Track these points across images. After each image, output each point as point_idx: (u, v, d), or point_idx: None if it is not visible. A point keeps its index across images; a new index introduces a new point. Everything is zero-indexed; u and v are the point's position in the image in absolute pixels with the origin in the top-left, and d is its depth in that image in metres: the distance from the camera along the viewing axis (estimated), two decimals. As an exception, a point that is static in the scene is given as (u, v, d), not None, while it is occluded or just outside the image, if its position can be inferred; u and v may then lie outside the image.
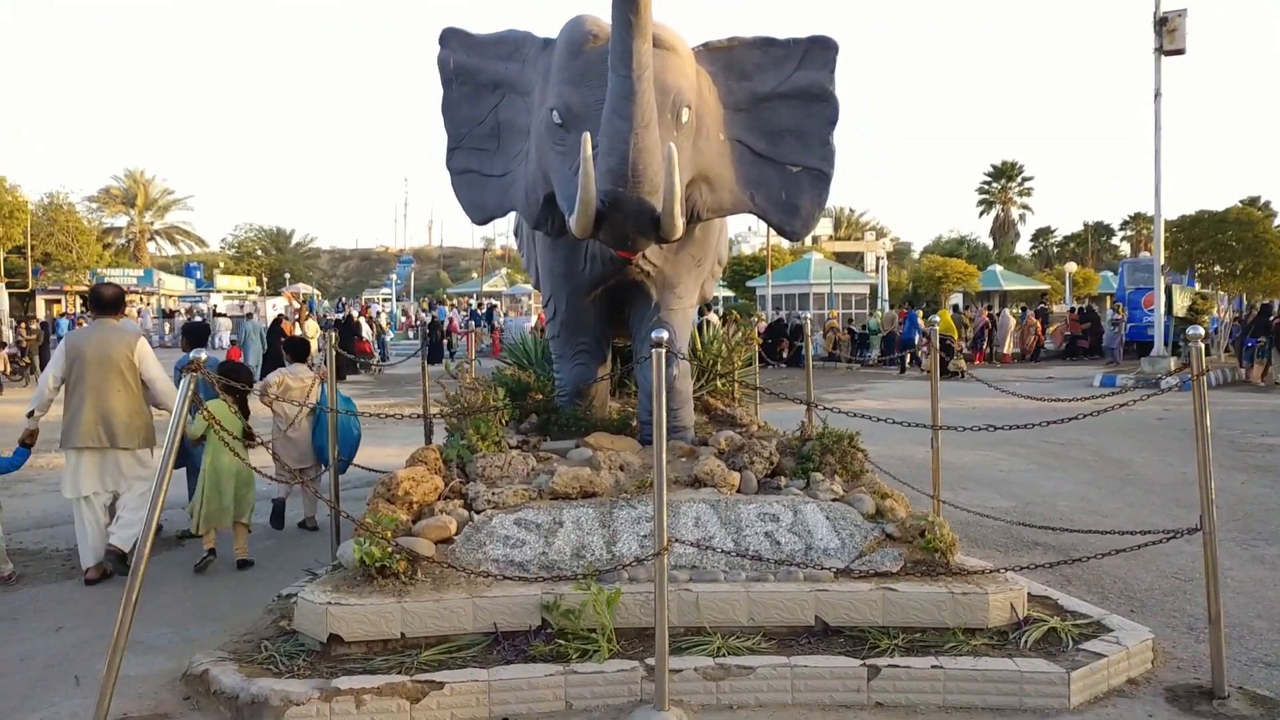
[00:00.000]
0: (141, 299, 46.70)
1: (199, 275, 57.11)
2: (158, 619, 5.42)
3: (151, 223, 64.07)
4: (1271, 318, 19.21)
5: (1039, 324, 27.90)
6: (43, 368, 21.82)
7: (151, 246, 64.57)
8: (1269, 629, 5.17)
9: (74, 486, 6.32)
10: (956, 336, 23.19)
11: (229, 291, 54.11)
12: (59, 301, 42.97)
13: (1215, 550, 4.34)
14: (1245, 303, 23.39)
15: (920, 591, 4.64)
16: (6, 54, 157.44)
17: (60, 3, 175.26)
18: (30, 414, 6.42)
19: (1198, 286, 25.41)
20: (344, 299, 51.95)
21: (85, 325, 7.15)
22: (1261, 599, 5.68)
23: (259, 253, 71.66)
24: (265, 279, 62.80)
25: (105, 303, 6.55)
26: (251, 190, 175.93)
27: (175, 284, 51.76)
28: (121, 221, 62.41)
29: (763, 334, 23.38)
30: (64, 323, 32.12)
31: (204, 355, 4.35)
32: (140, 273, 48.90)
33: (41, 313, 37.40)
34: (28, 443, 6.49)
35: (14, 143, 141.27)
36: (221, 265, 64.73)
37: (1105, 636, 4.62)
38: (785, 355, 23.54)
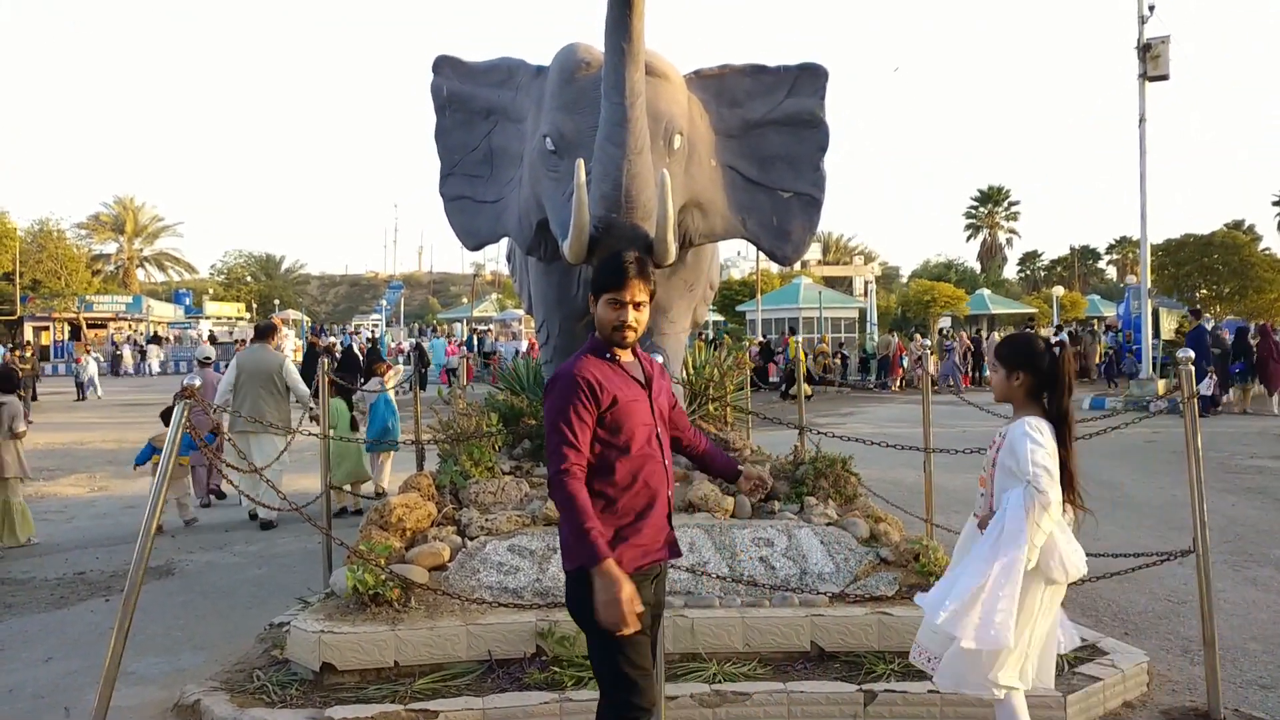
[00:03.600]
0: (130, 326, 46.57)
1: (188, 302, 56.99)
2: (148, 648, 5.37)
3: (141, 249, 64.01)
4: (1253, 340, 19.19)
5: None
6: (35, 398, 21.75)
7: (141, 273, 64.51)
8: (1263, 651, 5.17)
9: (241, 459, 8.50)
10: (803, 364, 23.40)
11: (218, 318, 53.97)
12: (47, 328, 42.79)
13: (1209, 572, 4.35)
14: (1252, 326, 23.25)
15: (916, 615, 4.61)
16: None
17: (50, 30, 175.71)
18: (215, 409, 8.54)
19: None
20: (319, 324, 51.55)
21: (248, 347, 10.03)
22: (1255, 621, 5.69)
23: (248, 279, 71.60)
24: (255, 305, 62.69)
25: (261, 333, 9.77)
26: (241, 217, 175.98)
27: (164, 310, 51.65)
28: (111, 248, 62.37)
29: (753, 356, 23.38)
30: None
31: (198, 382, 4.35)
32: (129, 299, 48.79)
33: (29, 338, 37.21)
34: (214, 430, 8.47)
35: (3, 169, 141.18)
36: (211, 292, 64.68)
37: (1100, 660, 4.62)
38: (778, 380, 23.48)
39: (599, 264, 3.21)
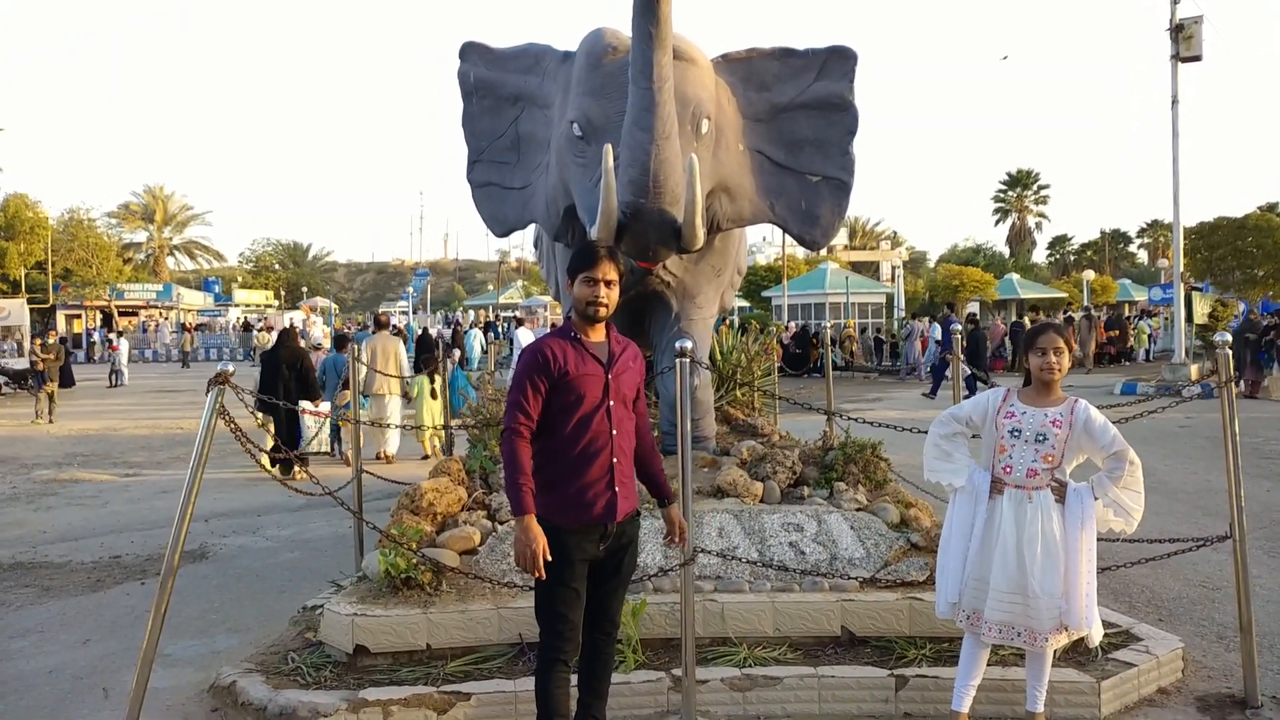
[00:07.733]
0: (160, 314, 47.05)
1: (217, 290, 57.46)
2: (185, 631, 5.45)
3: (170, 238, 64.51)
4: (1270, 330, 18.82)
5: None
6: (63, 385, 21.69)
7: (170, 262, 65.01)
8: (1300, 638, 5.11)
9: (374, 415, 11.18)
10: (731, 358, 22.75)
11: (247, 305, 54.43)
12: (79, 317, 43.31)
13: (1245, 558, 4.31)
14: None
15: (946, 601, 4.61)
16: (28, 71, 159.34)
17: (81, 19, 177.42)
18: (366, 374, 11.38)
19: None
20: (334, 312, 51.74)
21: (379, 333, 12.74)
22: (1291, 607, 5.62)
23: (276, 267, 72.08)
24: (283, 293, 63.14)
25: (380, 324, 13.26)
26: (269, 205, 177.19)
27: (194, 298, 52.12)
28: (141, 237, 62.86)
29: (789, 340, 23.19)
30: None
31: (231, 369, 4.38)
32: (159, 288, 49.29)
33: (62, 328, 37.63)
34: (365, 393, 11.19)
35: (35, 159, 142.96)
36: (239, 280, 65.10)
37: (1135, 646, 4.59)
38: (817, 365, 23.25)
39: (574, 250, 3.61)
